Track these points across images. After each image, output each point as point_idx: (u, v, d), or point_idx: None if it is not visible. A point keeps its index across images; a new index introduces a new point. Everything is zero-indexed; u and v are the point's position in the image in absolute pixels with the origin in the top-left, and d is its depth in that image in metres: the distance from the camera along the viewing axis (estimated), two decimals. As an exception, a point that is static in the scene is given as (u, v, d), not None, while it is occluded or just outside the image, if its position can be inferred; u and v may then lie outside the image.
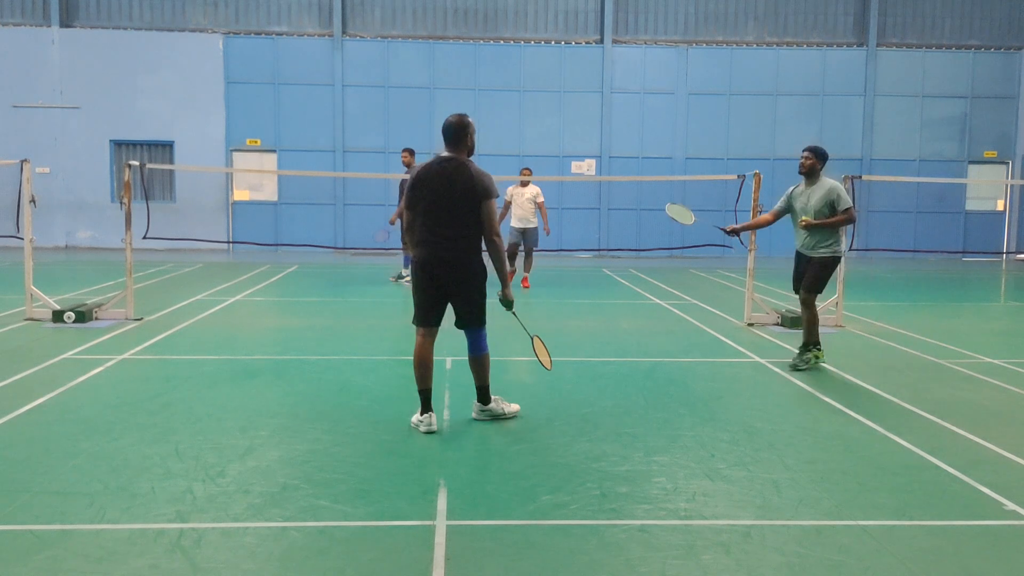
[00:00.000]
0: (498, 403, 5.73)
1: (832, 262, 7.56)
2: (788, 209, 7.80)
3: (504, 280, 5.50)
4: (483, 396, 5.67)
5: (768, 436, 5.48)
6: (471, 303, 5.45)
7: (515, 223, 13.34)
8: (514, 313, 5.64)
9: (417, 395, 5.50)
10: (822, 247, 7.53)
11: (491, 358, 5.69)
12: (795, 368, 7.43)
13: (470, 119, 5.48)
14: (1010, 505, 4.29)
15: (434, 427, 5.42)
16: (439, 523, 3.96)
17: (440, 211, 5.30)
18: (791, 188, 7.83)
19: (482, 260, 5.46)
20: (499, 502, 4.29)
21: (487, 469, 4.83)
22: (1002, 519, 4.15)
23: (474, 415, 5.70)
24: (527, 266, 13.60)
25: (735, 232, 8.01)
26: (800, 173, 7.61)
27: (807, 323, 7.58)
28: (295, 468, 4.70)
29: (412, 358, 5.53)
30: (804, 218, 7.46)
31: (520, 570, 3.53)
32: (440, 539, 3.78)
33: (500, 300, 5.55)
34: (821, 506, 4.27)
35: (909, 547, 3.80)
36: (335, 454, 4.98)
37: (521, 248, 13.47)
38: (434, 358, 5.54)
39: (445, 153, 5.43)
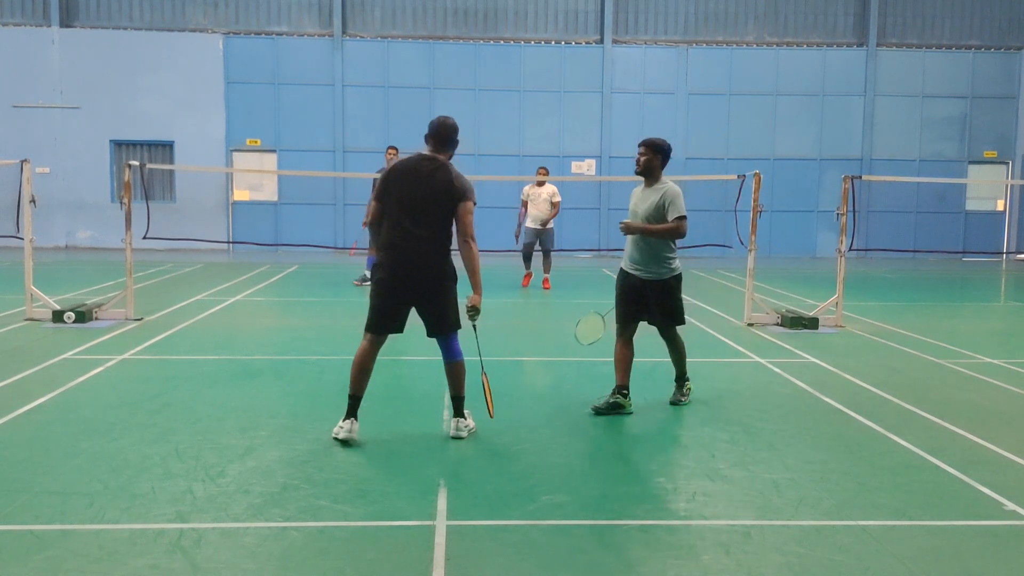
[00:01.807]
0: (469, 417, 5.43)
1: (678, 282, 6.17)
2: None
3: (476, 286, 5.16)
4: (458, 408, 5.36)
5: (768, 436, 5.48)
6: (441, 308, 5.17)
7: (530, 223, 13.28)
8: (475, 327, 5.26)
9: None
10: (657, 266, 6.06)
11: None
12: (677, 403, 6.34)
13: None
14: (1010, 505, 4.29)
15: (354, 435, 5.14)
16: (439, 523, 3.96)
17: (412, 210, 5.05)
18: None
19: (452, 263, 5.19)
20: (499, 502, 4.29)
21: (487, 469, 4.83)
22: (1002, 519, 4.16)
23: (452, 433, 5.30)
24: (546, 267, 13.55)
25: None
26: (636, 173, 6.20)
27: (680, 353, 6.37)
28: (295, 468, 4.70)
29: (353, 360, 5.18)
30: (624, 221, 6.08)
31: (520, 570, 3.53)
32: (440, 539, 3.78)
33: (467, 306, 5.15)
34: (821, 506, 4.27)
35: (909, 547, 3.80)
36: (335, 454, 4.98)
37: (537, 248, 13.44)
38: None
39: (427, 151, 5.23)
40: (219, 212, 21.21)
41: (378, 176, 13.26)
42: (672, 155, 6.28)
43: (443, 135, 5.22)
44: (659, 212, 5.98)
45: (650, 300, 6.10)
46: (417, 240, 5.06)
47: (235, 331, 9.39)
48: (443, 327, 5.23)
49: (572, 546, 3.77)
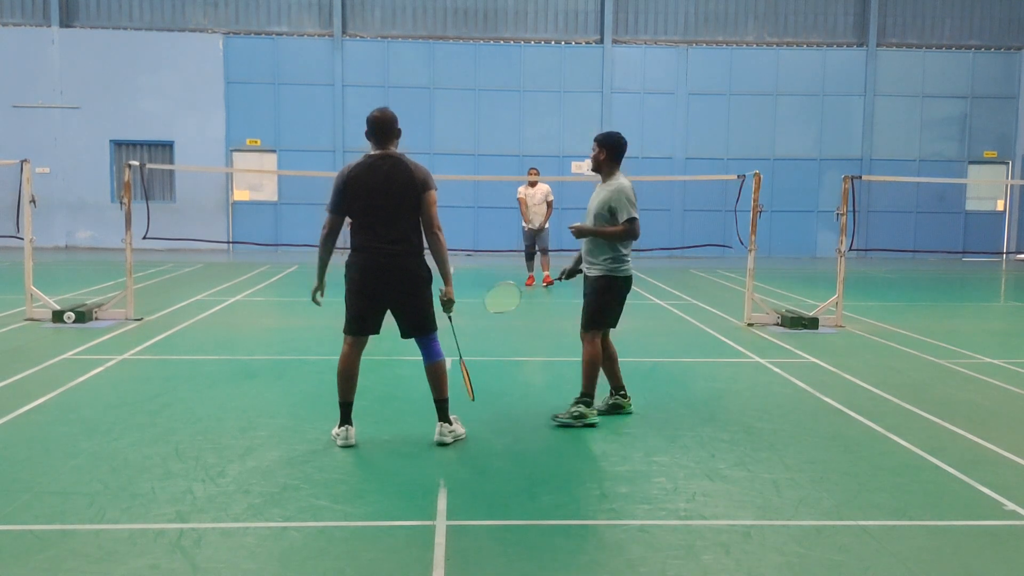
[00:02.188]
0: (456, 423, 5.31)
1: (607, 284, 5.69)
2: None
3: (447, 277, 5.08)
4: (443, 412, 5.20)
5: (768, 436, 5.48)
6: (418, 310, 5.08)
7: (527, 225, 13.48)
8: (450, 318, 5.22)
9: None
10: (594, 263, 5.74)
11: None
12: (560, 421, 5.65)
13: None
14: (1010, 505, 4.29)
15: (351, 440, 5.10)
16: (439, 523, 3.96)
17: (379, 212, 4.95)
18: None
19: (426, 263, 5.09)
20: (499, 502, 4.29)
21: (487, 469, 4.83)
22: (1002, 519, 4.15)
23: (436, 438, 5.16)
24: (544, 265, 13.69)
25: (572, 273, 6.15)
26: (591, 170, 5.92)
27: (585, 364, 5.72)
28: (295, 468, 4.70)
29: (337, 367, 5.18)
30: (573, 224, 5.79)
31: (520, 570, 3.53)
32: (440, 539, 3.78)
33: (441, 299, 5.10)
34: (821, 506, 4.27)
35: (909, 547, 3.80)
36: (335, 454, 4.98)
37: (535, 248, 13.61)
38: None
39: (374, 151, 5.08)
40: (219, 212, 21.22)
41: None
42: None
43: (384, 129, 5.06)
44: (605, 210, 5.67)
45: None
46: (389, 242, 4.98)
47: (235, 331, 9.39)
48: (423, 328, 5.16)
49: (572, 546, 3.77)
